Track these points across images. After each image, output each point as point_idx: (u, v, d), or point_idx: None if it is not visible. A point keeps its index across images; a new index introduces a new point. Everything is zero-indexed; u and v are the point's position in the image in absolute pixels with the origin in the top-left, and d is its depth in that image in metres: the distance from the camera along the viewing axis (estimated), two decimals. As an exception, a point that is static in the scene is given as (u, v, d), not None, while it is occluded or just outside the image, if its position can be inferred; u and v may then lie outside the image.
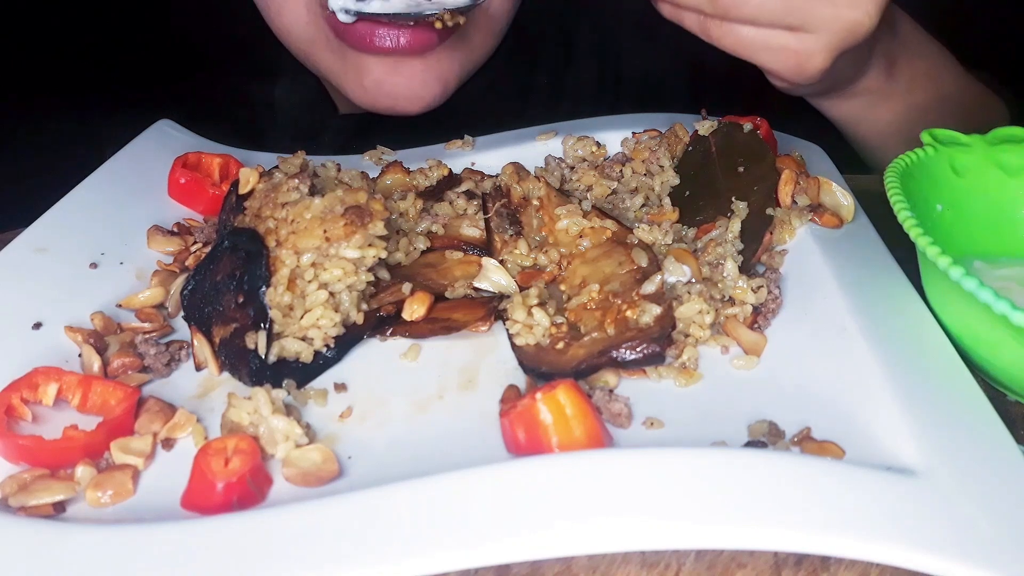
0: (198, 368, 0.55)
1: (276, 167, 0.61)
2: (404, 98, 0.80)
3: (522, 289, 0.58)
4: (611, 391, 0.51)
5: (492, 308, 0.58)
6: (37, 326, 0.56)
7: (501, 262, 0.61)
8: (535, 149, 0.76)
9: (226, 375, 0.54)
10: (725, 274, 0.57)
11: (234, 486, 0.44)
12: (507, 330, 0.56)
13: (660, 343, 0.52)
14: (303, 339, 0.54)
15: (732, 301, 0.56)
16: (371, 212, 0.54)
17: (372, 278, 0.56)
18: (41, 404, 0.51)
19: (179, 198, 0.70)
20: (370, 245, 0.54)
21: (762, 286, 0.56)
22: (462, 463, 0.44)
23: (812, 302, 0.56)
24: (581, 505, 0.41)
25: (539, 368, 0.53)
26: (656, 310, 0.54)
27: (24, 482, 0.46)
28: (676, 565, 0.42)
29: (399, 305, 0.57)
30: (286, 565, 0.39)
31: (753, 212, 0.62)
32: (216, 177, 0.72)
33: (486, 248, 0.62)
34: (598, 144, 0.74)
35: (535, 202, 0.64)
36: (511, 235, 0.62)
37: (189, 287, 0.56)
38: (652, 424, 0.49)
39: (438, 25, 0.72)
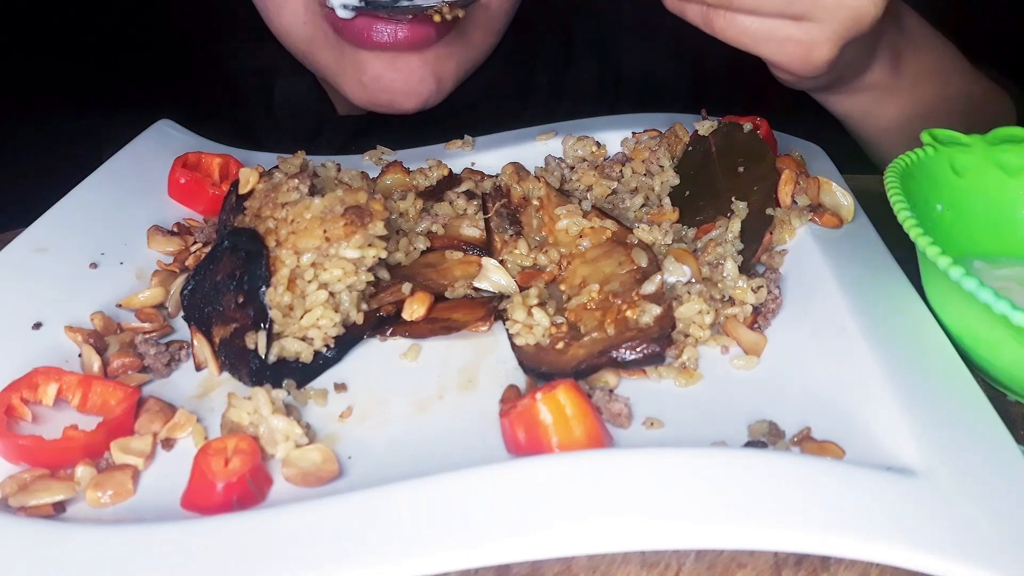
0: (198, 368, 0.55)
1: (276, 167, 0.62)
2: (401, 94, 0.80)
3: (522, 289, 0.58)
4: (611, 391, 0.51)
5: (492, 308, 0.58)
6: (37, 326, 0.56)
7: (501, 262, 0.61)
8: (535, 149, 0.76)
9: (226, 375, 0.54)
10: (725, 274, 0.57)
11: (234, 486, 0.44)
12: (507, 330, 0.56)
13: (660, 343, 0.52)
14: (303, 339, 0.54)
15: (732, 301, 0.56)
16: (371, 212, 0.54)
17: (372, 278, 0.56)
18: (41, 404, 0.51)
19: (179, 198, 0.70)
20: (370, 245, 0.54)
21: (762, 286, 0.56)
22: (462, 463, 0.44)
23: (812, 302, 0.56)
24: (581, 505, 0.41)
25: (539, 368, 0.53)
26: (656, 310, 0.54)
27: (24, 482, 0.46)
28: (676, 565, 0.42)
29: (399, 305, 0.57)
30: (286, 565, 0.39)
31: (753, 212, 0.62)
32: (216, 177, 0.72)
33: (486, 248, 0.62)
34: (598, 144, 0.74)
35: (535, 202, 0.64)
36: (511, 235, 0.62)
37: (189, 287, 0.56)
38: (652, 424, 0.49)
39: (436, 18, 0.72)
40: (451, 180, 0.70)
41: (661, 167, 0.70)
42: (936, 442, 0.44)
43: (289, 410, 0.50)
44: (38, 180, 0.70)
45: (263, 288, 0.52)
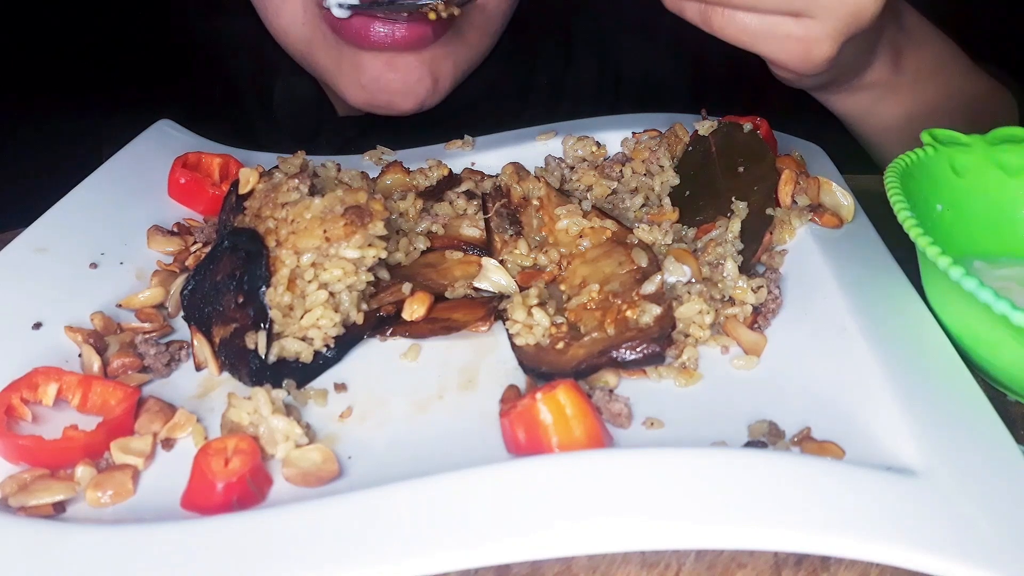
0: (198, 368, 0.55)
1: (276, 167, 0.61)
2: (399, 94, 0.80)
3: (522, 289, 0.58)
4: (611, 391, 0.51)
5: (492, 308, 0.58)
6: (37, 326, 0.56)
7: (501, 262, 0.61)
8: (535, 149, 0.76)
9: (226, 375, 0.54)
10: (725, 274, 0.57)
11: (234, 486, 0.44)
12: (507, 330, 0.56)
13: (660, 343, 0.52)
14: (303, 339, 0.54)
15: (732, 301, 0.56)
16: (371, 212, 0.54)
17: (372, 278, 0.56)
18: (41, 404, 0.51)
19: (179, 198, 0.70)
20: (370, 245, 0.54)
21: (762, 286, 0.56)
22: (462, 463, 0.44)
23: (812, 302, 0.56)
24: (581, 505, 0.41)
25: (539, 368, 0.53)
26: (656, 310, 0.54)
27: (24, 482, 0.46)
28: (676, 565, 0.42)
29: (399, 305, 0.57)
30: (286, 565, 0.39)
31: (753, 212, 0.62)
32: (216, 177, 0.72)
33: (486, 248, 0.62)
34: (598, 144, 0.74)
35: (535, 202, 0.64)
36: (511, 235, 0.62)
37: (189, 287, 0.56)
38: (652, 424, 0.49)
39: (432, 16, 0.72)
40: (451, 180, 0.70)
41: (661, 167, 0.70)
42: (936, 442, 0.44)
43: (289, 410, 0.50)
44: (38, 180, 0.71)
45: (263, 288, 0.52)
